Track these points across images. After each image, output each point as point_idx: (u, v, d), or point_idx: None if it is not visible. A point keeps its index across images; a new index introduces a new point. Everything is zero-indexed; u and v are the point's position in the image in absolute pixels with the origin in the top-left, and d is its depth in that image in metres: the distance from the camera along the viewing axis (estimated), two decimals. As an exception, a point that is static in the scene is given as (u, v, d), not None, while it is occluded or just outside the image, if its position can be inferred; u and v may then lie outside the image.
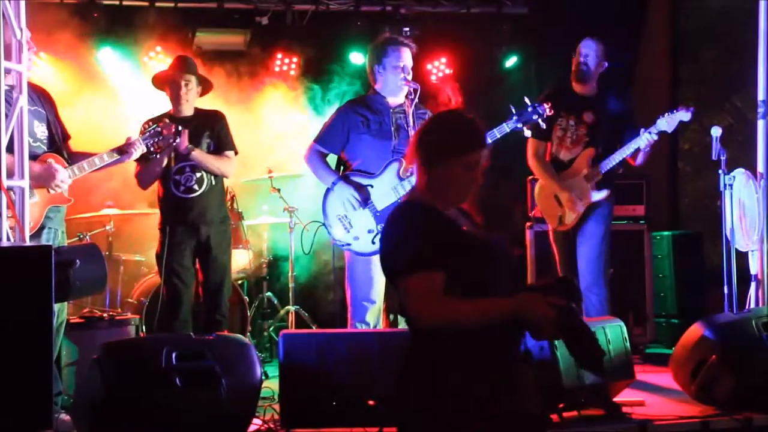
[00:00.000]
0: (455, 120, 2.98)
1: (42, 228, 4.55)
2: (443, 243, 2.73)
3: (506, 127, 5.04)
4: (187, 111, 5.56)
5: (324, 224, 5.15)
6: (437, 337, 2.75)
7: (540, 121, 5.08)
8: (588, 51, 5.85)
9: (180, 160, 5.39)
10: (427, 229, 2.77)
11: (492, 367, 2.72)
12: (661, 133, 5.65)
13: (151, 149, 5.02)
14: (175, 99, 5.54)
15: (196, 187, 5.46)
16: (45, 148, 4.65)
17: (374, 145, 5.11)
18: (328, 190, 5.13)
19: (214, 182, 5.53)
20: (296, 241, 6.80)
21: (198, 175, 5.46)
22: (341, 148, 5.20)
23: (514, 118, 5.04)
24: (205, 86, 5.71)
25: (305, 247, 6.64)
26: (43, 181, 4.49)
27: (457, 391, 2.70)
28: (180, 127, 5.23)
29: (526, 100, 5.07)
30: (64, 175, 4.58)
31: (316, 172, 5.22)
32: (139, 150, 4.91)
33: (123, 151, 4.85)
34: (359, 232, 5.05)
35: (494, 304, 2.70)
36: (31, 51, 4.42)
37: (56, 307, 4.55)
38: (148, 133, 5.02)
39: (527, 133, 5.17)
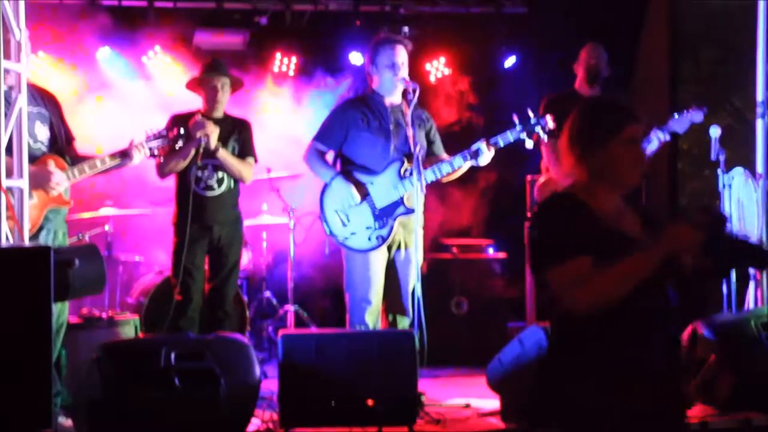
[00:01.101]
0: (599, 102, 2.97)
1: (40, 229, 4.55)
2: (586, 235, 2.68)
3: (510, 137, 5.04)
4: (219, 113, 5.60)
5: (320, 218, 5.15)
6: (587, 333, 2.70)
7: (542, 133, 5.05)
8: (597, 54, 5.89)
9: (206, 157, 5.39)
10: (573, 219, 2.71)
11: (640, 365, 2.68)
12: (673, 134, 5.70)
13: (155, 153, 4.99)
14: (211, 101, 5.57)
15: (215, 186, 5.51)
16: (45, 150, 4.64)
17: (374, 143, 5.12)
18: (325, 185, 5.13)
19: (232, 185, 5.58)
20: (295, 241, 6.81)
21: (219, 175, 5.51)
22: (340, 146, 5.20)
23: (518, 128, 5.01)
24: (236, 86, 5.75)
25: (299, 238, 6.64)
26: (38, 182, 4.47)
27: (605, 392, 2.66)
28: (210, 123, 5.29)
29: (530, 112, 5.05)
30: (60, 178, 4.55)
31: (315, 170, 5.23)
32: (142, 154, 4.87)
33: (125, 154, 4.82)
34: (356, 227, 5.06)
35: (641, 256, 2.61)
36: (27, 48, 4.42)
37: (57, 308, 4.55)
38: (152, 135, 4.98)
39: (529, 144, 5.13)
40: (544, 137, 5.12)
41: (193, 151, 5.32)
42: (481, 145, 5.02)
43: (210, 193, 5.51)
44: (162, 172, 5.48)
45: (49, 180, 4.50)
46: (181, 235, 5.44)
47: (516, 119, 5.02)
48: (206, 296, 5.57)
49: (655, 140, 5.63)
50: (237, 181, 5.60)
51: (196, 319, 5.52)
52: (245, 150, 5.64)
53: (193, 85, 5.72)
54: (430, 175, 5.05)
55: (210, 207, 5.51)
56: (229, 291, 5.62)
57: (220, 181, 5.53)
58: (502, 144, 5.03)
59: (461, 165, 5.10)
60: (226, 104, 5.67)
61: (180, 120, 5.42)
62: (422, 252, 5.24)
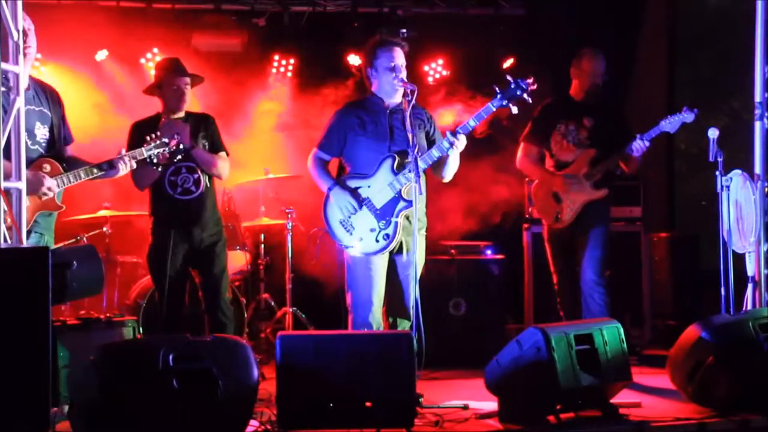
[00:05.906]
0: None
1: (29, 233, 4.50)
2: None
3: (492, 107, 5.04)
4: (182, 112, 5.50)
5: (328, 231, 5.18)
6: None
7: (525, 96, 5.02)
8: (597, 68, 5.90)
9: (181, 158, 5.28)
10: None
11: None
12: (664, 134, 5.80)
13: (155, 160, 4.92)
14: (174, 102, 5.47)
15: (193, 188, 5.41)
16: (42, 152, 4.62)
17: (370, 146, 5.15)
18: (326, 199, 5.18)
19: (209, 184, 5.50)
20: (294, 242, 6.81)
21: (195, 176, 5.40)
22: (341, 152, 5.24)
23: (498, 96, 5.01)
24: (195, 83, 5.65)
25: (314, 257, 6.59)
26: (30, 186, 4.42)
27: None
28: (180, 122, 5.20)
29: (508, 77, 5.04)
30: (52, 183, 4.53)
31: (316, 180, 5.28)
32: (128, 166, 4.79)
33: (111, 165, 4.75)
34: (362, 232, 5.10)
35: None
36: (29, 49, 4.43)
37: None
38: (153, 144, 4.91)
39: (514, 110, 5.06)
40: (529, 99, 5.05)
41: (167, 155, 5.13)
42: (448, 134, 5.02)
43: (189, 197, 5.39)
44: (141, 183, 5.38)
45: (40, 185, 4.49)
46: (164, 245, 5.35)
47: (497, 88, 5.02)
48: (203, 304, 5.52)
49: (634, 147, 5.71)
50: (212, 179, 5.51)
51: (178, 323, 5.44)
52: (216, 145, 5.54)
53: (151, 88, 5.60)
54: (421, 163, 4.99)
55: (190, 211, 5.40)
56: (225, 296, 5.55)
57: (197, 183, 5.40)
58: (484, 116, 5.02)
59: (440, 155, 5.07)
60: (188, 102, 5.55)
61: (143, 126, 5.34)
62: (424, 254, 5.26)
